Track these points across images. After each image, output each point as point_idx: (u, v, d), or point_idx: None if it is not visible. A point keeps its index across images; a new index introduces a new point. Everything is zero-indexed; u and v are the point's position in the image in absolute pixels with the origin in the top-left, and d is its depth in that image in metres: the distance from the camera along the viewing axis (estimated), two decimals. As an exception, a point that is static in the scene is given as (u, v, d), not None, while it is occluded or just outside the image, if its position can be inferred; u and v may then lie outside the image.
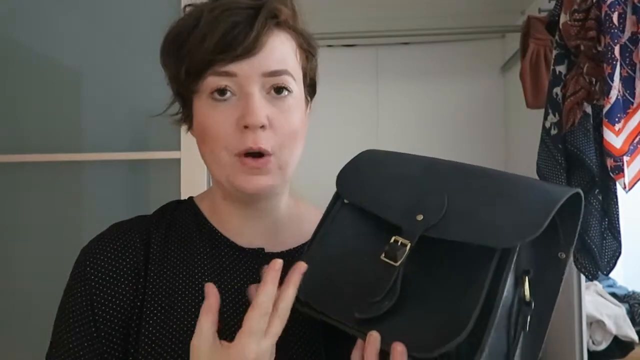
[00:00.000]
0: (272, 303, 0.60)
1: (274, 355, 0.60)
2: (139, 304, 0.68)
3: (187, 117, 0.73)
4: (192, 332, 0.64)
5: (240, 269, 0.72)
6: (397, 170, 0.67)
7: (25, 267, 1.81)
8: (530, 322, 0.57)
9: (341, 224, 0.67)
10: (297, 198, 0.82)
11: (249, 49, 0.65)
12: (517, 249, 0.55)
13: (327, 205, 0.86)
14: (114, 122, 1.81)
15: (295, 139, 0.69)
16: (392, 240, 0.60)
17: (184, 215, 0.76)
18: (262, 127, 0.66)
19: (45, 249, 1.78)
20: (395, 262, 0.58)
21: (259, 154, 0.67)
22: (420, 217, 0.60)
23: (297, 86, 0.70)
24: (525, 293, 0.57)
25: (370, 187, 0.67)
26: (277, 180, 0.69)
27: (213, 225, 0.75)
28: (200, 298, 0.67)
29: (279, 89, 0.67)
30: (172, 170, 1.71)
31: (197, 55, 0.66)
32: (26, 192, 1.83)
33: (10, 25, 1.83)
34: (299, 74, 0.71)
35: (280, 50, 0.68)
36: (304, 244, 0.75)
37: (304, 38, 0.72)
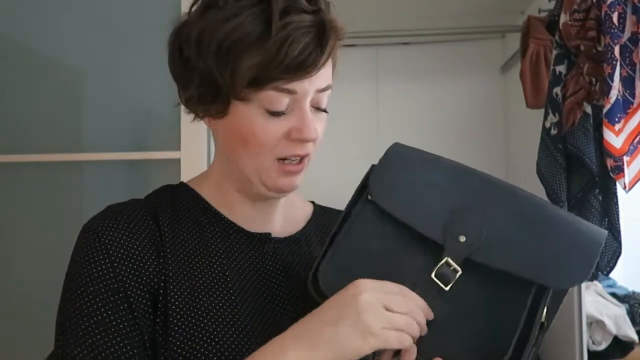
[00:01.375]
0: (419, 309, 0.60)
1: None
2: (162, 284, 0.67)
3: (212, 111, 0.71)
4: (221, 313, 0.66)
5: (249, 252, 0.74)
6: (427, 176, 0.67)
7: (25, 267, 1.81)
8: (540, 338, 0.61)
9: (367, 222, 0.67)
10: None
11: (316, 70, 0.66)
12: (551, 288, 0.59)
13: (327, 203, 0.87)
14: (114, 122, 1.81)
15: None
16: (444, 261, 0.61)
17: (185, 200, 0.76)
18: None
19: (45, 249, 1.78)
20: (446, 286, 0.60)
21: (299, 159, 0.70)
22: (462, 239, 0.61)
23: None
24: (543, 318, 0.60)
25: (401, 193, 0.67)
26: (303, 178, 0.73)
27: (218, 210, 0.76)
28: (222, 281, 0.69)
29: (322, 103, 0.71)
30: (172, 170, 1.71)
31: (264, 69, 0.64)
32: (26, 192, 1.83)
33: (10, 25, 1.83)
34: None
35: (329, 67, 0.71)
36: (302, 229, 0.80)
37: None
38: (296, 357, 0.58)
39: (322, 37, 0.66)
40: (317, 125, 0.70)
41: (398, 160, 0.69)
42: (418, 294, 0.60)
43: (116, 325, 0.63)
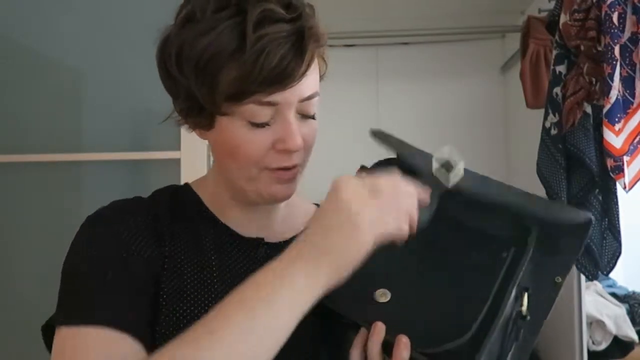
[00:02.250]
0: (413, 206, 0.61)
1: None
2: (159, 273, 0.67)
3: (200, 125, 0.71)
4: (205, 311, 0.64)
5: (242, 256, 0.74)
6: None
7: (25, 267, 1.81)
8: (522, 333, 0.59)
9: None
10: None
11: (296, 80, 0.64)
12: (530, 252, 0.58)
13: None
14: (114, 122, 1.81)
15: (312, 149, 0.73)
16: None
17: (184, 201, 0.77)
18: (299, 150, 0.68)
19: (45, 249, 1.78)
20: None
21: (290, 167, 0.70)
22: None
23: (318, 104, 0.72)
24: (523, 308, 0.58)
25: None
26: (297, 185, 0.73)
27: (213, 214, 0.76)
28: (210, 282, 0.69)
29: (309, 111, 0.69)
30: (172, 170, 1.72)
31: (242, 83, 0.63)
32: (26, 192, 1.83)
33: (10, 25, 1.83)
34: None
35: (314, 75, 0.68)
36: (297, 235, 0.77)
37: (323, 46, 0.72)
38: (300, 282, 0.55)
39: (300, 46, 0.64)
40: (307, 132, 0.69)
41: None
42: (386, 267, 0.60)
43: (124, 287, 0.64)
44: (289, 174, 0.70)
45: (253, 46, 0.62)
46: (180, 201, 0.77)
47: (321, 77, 0.73)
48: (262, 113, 0.65)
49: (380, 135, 0.73)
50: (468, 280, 0.59)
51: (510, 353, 0.58)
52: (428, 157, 0.66)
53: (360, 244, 0.56)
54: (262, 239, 0.76)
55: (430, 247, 0.62)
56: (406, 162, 0.68)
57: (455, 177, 0.63)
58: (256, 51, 0.62)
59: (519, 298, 0.58)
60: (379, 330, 0.58)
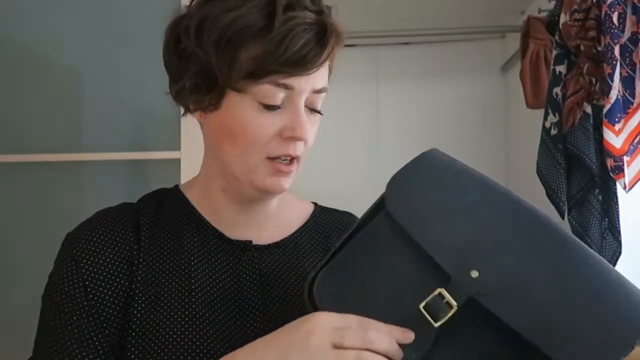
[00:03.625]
0: (374, 337, 0.53)
1: None
2: (130, 292, 0.67)
3: (205, 103, 0.69)
4: (179, 322, 0.65)
5: (228, 260, 0.72)
6: (456, 195, 0.58)
7: (25, 267, 1.81)
8: None
9: (379, 239, 0.59)
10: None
11: (315, 67, 0.66)
12: None
13: (326, 204, 0.86)
14: (113, 122, 1.81)
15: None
16: (437, 292, 0.52)
17: (171, 204, 0.76)
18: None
19: (45, 249, 1.78)
20: (435, 321, 0.51)
21: (290, 160, 0.69)
22: (475, 274, 0.52)
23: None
24: None
25: (422, 210, 0.58)
26: (292, 182, 0.72)
27: (202, 216, 0.75)
28: (187, 289, 0.68)
29: (317, 105, 0.70)
30: (172, 170, 1.72)
31: (264, 61, 0.64)
32: (26, 192, 1.83)
33: (10, 25, 1.83)
34: None
35: (326, 68, 0.70)
36: (293, 234, 0.78)
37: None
38: None
39: (323, 37, 0.66)
40: (312, 128, 0.69)
41: (428, 170, 0.61)
42: (412, 327, 0.52)
43: (86, 347, 0.64)
44: (288, 167, 0.69)
45: (281, 26, 0.63)
46: (166, 205, 0.75)
47: (329, 78, 0.74)
48: (276, 95, 0.66)
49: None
50: None
51: None
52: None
53: None
54: (250, 242, 0.74)
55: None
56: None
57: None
58: (283, 31, 0.63)
59: None
60: None
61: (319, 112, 0.71)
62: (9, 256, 1.83)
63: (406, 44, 2.88)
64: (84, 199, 1.85)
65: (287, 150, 0.67)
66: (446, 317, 0.51)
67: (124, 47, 1.81)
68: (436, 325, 0.51)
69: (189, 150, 1.68)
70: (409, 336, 0.53)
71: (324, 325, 0.54)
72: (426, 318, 0.52)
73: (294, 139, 0.67)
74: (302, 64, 0.64)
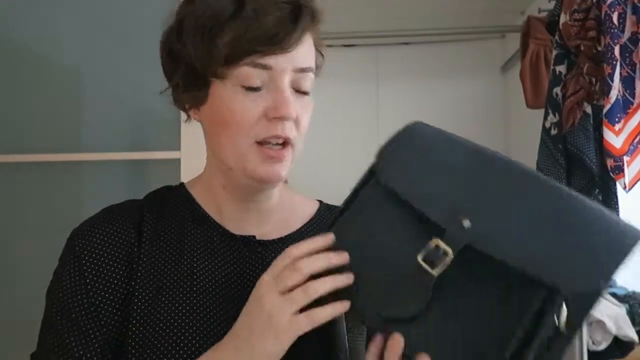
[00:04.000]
0: (305, 265, 0.58)
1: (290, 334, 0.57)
2: (130, 288, 0.68)
3: (196, 98, 0.71)
4: (179, 316, 0.66)
5: (231, 255, 0.72)
6: (443, 156, 0.61)
7: (25, 267, 1.81)
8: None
9: (372, 205, 0.61)
10: (290, 188, 0.82)
11: (290, 45, 0.66)
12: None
13: (326, 203, 0.86)
14: (113, 122, 1.81)
15: (306, 132, 0.72)
16: (433, 244, 0.54)
17: (175, 201, 0.76)
18: (290, 119, 0.67)
19: (45, 249, 1.78)
20: (432, 269, 0.53)
21: (281, 144, 0.68)
22: (467, 223, 0.54)
23: (312, 84, 0.72)
24: (562, 325, 0.50)
25: (411, 172, 0.61)
26: (288, 169, 0.71)
27: (206, 212, 0.75)
28: (188, 283, 0.68)
29: (301, 87, 0.69)
30: (172, 170, 1.71)
31: (238, 43, 0.65)
32: (26, 192, 1.83)
33: (10, 25, 1.83)
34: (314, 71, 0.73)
35: (309, 49, 0.70)
36: (297, 231, 0.77)
37: (319, 38, 0.74)
38: None
39: (296, 15, 0.66)
40: (301, 110, 0.69)
41: (416, 138, 0.64)
42: (409, 283, 0.54)
43: (84, 344, 0.65)
44: (279, 152, 0.68)
45: (252, 7, 0.65)
46: (170, 202, 0.76)
47: (318, 71, 0.74)
48: (256, 76, 0.66)
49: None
50: (491, 306, 0.52)
51: None
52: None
53: (278, 346, 0.57)
54: (254, 237, 0.75)
55: (452, 283, 0.54)
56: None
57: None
58: (253, 11, 0.65)
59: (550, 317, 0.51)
60: (397, 343, 0.54)
61: (306, 93, 0.70)
62: (9, 256, 1.82)
63: (406, 44, 2.88)
64: (84, 199, 1.85)
65: (274, 131, 0.66)
66: (444, 266, 0.53)
67: (124, 47, 1.80)
68: (435, 274, 0.53)
69: (189, 150, 1.68)
70: (343, 257, 0.58)
71: (267, 282, 0.58)
72: (425, 269, 0.53)
73: (280, 118, 0.66)
74: (276, 41, 0.65)
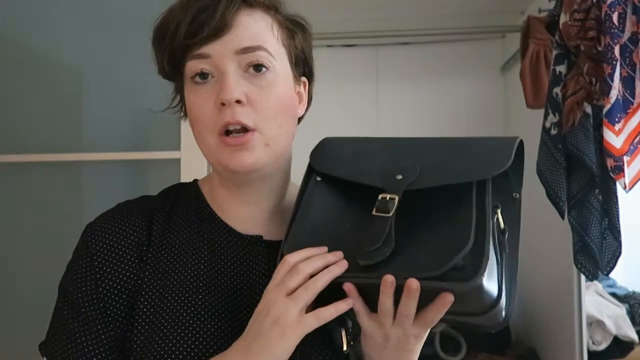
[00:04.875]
0: (304, 266, 0.62)
1: (298, 331, 0.60)
2: (137, 287, 0.69)
3: (182, 106, 0.76)
4: (183, 314, 0.66)
5: (238, 255, 0.73)
6: (361, 146, 0.75)
7: (25, 267, 1.81)
8: (506, 246, 0.66)
9: (320, 198, 0.71)
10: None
11: (218, 29, 0.67)
12: (490, 181, 0.65)
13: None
14: (114, 122, 1.81)
15: (282, 114, 0.71)
16: (380, 198, 0.66)
17: (186, 198, 0.77)
18: (239, 102, 0.67)
19: (45, 249, 1.78)
20: (388, 213, 0.64)
21: (241, 131, 0.68)
22: (399, 177, 0.67)
23: (278, 63, 0.71)
24: (500, 222, 0.66)
25: (342, 161, 0.73)
26: (264, 157, 0.70)
27: (213, 210, 0.76)
28: (194, 282, 0.69)
29: (256, 66, 0.69)
30: (172, 170, 1.72)
31: (173, 44, 0.68)
32: (26, 192, 1.83)
33: (10, 25, 1.83)
34: (279, 50, 0.72)
35: (253, 28, 0.69)
36: None
37: (282, 16, 0.74)
38: None
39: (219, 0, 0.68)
40: (258, 90, 0.68)
41: (333, 142, 0.77)
42: (370, 235, 0.63)
43: (92, 339, 0.66)
44: (239, 139, 0.67)
45: (178, 6, 0.69)
46: (181, 200, 0.77)
47: (297, 63, 0.75)
48: (199, 67, 0.68)
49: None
50: (447, 217, 0.65)
51: (503, 263, 0.65)
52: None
53: (286, 343, 0.60)
54: (261, 237, 0.75)
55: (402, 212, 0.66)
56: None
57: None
58: (180, 8, 0.68)
59: (494, 214, 0.65)
60: (390, 283, 0.59)
61: (260, 71, 0.69)
62: (9, 256, 1.83)
63: (406, 44, 2.88)
64: (84, 199, 1.85)
65: (224, 118, 0.67)
66: (394, 207, 0.64)
67: (124, 47, 1.81)
68: (390, 215, 0.64)
69: (189, 150, 1.68)
70: (337, 253, 0.63)
71: (272, 289, 0.62)
72: (381, 216, 0.64)
73: (224, 102, 0.67)
74: (201, 30, 0.67)
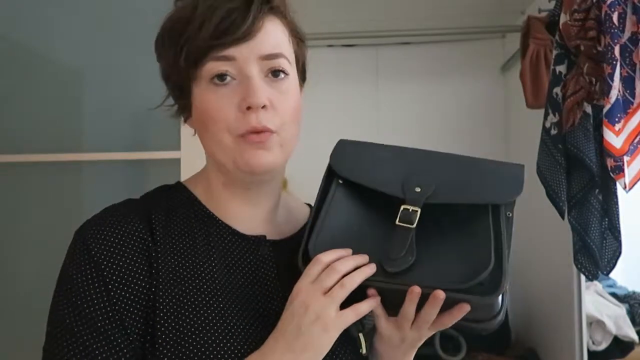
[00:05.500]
0: (339, 266, 0.65)
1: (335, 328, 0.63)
2: (152, 295, 0.66)
3: (185, 107, 0.74)
4: (208, 322, 0.66)
5: (245, 256, 0.73)
6: (375, 153, 0.78)
7: (25, 267, 1.81)
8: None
9: (341, 201, 0.74)
10: (286, 190, 0.84)
11: (247, 33, 0.67)
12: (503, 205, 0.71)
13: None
14: (114, 122, 1.81)
15: (295, 118, 0.73)
16: (402, 209, 0.70)
17: (179, 201, 0.76)
18: (264, 107, 0.68)
19: (45, 249, 1.78)
20: (412, 224, 0.69)
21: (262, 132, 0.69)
22: (418, 189, 0.72)
23: (292, 69, 0.73)
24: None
25: (362, 167, 0.77)
26: (279, 158, 0.71)
27: (212, 212, 0.75)
28: (211, 287, 0.69)
29: (276, 72, 0.70)
30: (172, 170, 1.72)
31: (196, 42, 0.67)
32: (26, 192, 1.83)
33: (10, 25, 1.83)
34: (292, 58, 0.74)
35: (275, 35, 0.71)
36: (299, 231, 0.78)
37: (293, 25, 0.76)
38: None
39: (249, 3, 0.68)
40: (279, 95, 0.70)
41: (349, 146, 0.80)
42: (394, 243, 0.68)
43: (110, 350, 0.64)
44: (260, 137, 0.68)
45: (205, 5, 0.68)
46: (175, 202, 0.75)
47: (301, 70, 0.77)
48: (222, 70, 0.68)
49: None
50: (466, 234, 0.70)
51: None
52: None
53: (328, 338, 0.64)
54: (264, 237, 0.75)
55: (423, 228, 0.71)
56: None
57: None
58: (207, 8, 0.67)
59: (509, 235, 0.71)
60: (416, 294, 0.63)
61: (280, 78, 0.70)
62: (9, 256, 1.83)
63: (406, 44, 2.88)
64: (84, 199, 1.85)
65: (250, 122, 0.68)
66: (416, 219, 0.69)
67: (124, 47, 1.81)
68: (413, 226, 0.69)
69: (189, 150, 1.68)
70: (365, 257, 0.67)
71: (306, 287, 0.64)
72: (405, 227, 0.69)
73: (250, 108, 0.67)
74: (229, 32, 0.67)
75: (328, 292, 0.63)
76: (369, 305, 0.66)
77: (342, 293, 0.63)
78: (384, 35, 2.65)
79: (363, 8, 2.56)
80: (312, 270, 0.65)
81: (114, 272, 0.66)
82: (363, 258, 0.67)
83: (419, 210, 0.70)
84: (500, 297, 0.67)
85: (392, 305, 0.68)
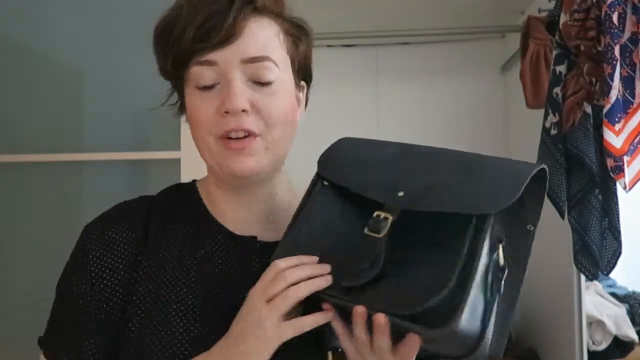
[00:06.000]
0: (288, 274, 0.61)
1: (274, 339, 0.60)
2: (134, 282, 0.70)
3: (182, 105, 0.75)
4: (177, 311, 0.67)
5: (232, 256, 0.73)
6: (375, 151, 0.71)
7: (25, 267, 1.81)
8: (504, 286, 0.60)
9: (323, 204, 0.69)
10: (295, 190, 0.83)
11: (227, 37, 0.66)
12: (492, 216, 0.59)
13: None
14: (114, 122, 1.81)
15: (284, 121, 0.71)
16: (374, 215, 0.62)
17: (183, 200, 0.78)
18: (244, 111, 0.67)
19: (45, 249, 1.78)
20: (378, 234, 0.61)
21: (244, 136, 0.68)
22: (401, 194, 0.63)
23: (282, 71, 0.71)
24: (500, 259, 0.60)
25: (350, 169, 0.70)
26: (264, 162, 0.70)
27: (209, 211, 0.76)
28: (184, 280, 0.70)
29: (260, 75, 0.69)
30: (172, 170, 1.72)
31: (180, 46, 0.67)
32: (26, 192, 1.83)
33: (10, 25, 1.83)
34: (283, 58, 0.72)
35: (260, 37, 0.69)
36: None
37: (289, 23, 0.73)
38: None
39: (230, 5, 0.67)
40: (262, 99, 0.68)
41: (345, 145, 0.74)
42: (361, 254, 0.61)
43: (89, 342, 0.68)
44: (241, 143, 0.68)
45: (187, 7, 0.67)
46: (179, 201, 0.77)
47: (299, 69, 0.75)
48: (205, 74, 0.68)
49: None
50: (438, 249, 0.60)
51: (495, 305, 0.59)
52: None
53: (264, 349, 0.60)
54: (255, 238, 0.75)
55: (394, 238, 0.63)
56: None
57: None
58: (190, 9, 0.67)
59: (495, 250, 0.60)
60: (361, 315, 0.57)
61: (265, 83, 0.69)
62: (9, 256, 1.83)
63: (406, 44, 2.88)
64: (84, 199, 1.85)
65: (229, 125, 0.67)
66: (385, 229, 0.61)
67: (125, 47, 1.81)
68: (380, 236, 0.61)
69: (189, 150, 1.68)
70: (325, 267, 0.61)
71: (256, 295, 0.61)
72: (372, 236, 0.61)
73: (228, 111, 0.67)
74: (210, 36, 0.66)
75: (271, 301, 0.60)
76: (315, 320, 0.60)
77: (283, 305, 0.59)
78: (384, 35, 2.65)
79: (363, 8, 2.56)
80: (267, 275, 0.62)
81: (98, 268, 0.70)
82: (323, 268, 0.61)
83: (390, 218, 0.61)
84: (473, 326, 0.56)
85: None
